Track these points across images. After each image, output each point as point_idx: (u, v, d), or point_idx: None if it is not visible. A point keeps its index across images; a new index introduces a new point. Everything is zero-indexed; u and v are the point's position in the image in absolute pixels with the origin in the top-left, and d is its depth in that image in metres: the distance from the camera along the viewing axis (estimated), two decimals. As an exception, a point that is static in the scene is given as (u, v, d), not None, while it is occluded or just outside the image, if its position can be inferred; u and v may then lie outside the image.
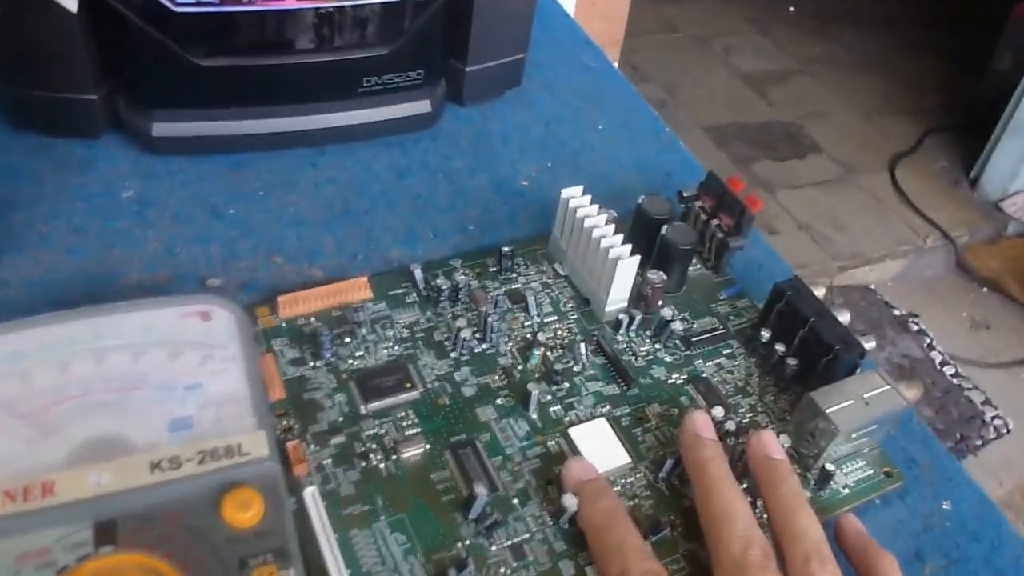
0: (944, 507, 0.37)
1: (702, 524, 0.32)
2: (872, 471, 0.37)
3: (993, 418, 1.39)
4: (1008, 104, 1.74)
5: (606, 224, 0.41)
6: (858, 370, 0.38)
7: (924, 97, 2.13)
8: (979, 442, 1.37)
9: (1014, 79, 1.73)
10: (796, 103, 2.05)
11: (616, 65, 0.66)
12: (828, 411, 0.35)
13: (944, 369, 1.46)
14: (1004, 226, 1.77)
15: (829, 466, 0.35)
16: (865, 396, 0.36)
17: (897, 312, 1.57)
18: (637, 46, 2.07)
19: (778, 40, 2.29)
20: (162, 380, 0.31)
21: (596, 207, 0.41)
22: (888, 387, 0.36)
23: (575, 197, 0.42)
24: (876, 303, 1.59)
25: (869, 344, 0.38)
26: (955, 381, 1.45)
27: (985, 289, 1.67)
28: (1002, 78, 1.84)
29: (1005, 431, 1.38)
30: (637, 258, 0.39)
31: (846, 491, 0.36)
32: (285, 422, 0.34)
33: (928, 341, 1.51)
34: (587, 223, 0.40)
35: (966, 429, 1.38)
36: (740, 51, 2.22)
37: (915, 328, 1.54)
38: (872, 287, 1.62)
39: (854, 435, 0.35)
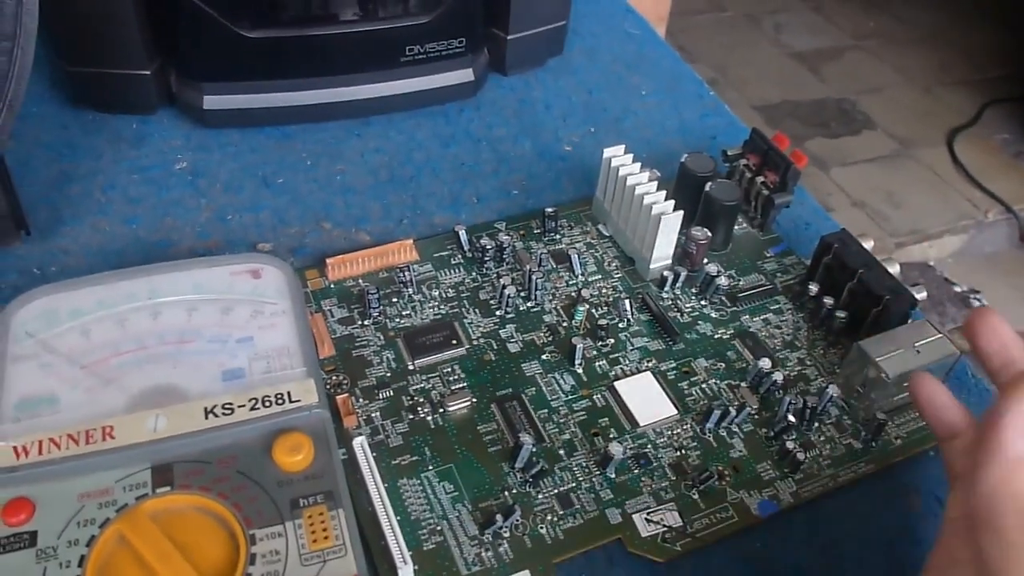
0: (1000, 458, 0.36)
1: None
2: (925, 422, 0.36)
3: (1060, 394, 1.35)
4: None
5: (649, 182, 0.41)
6: (909, 321, 0.37)
7: (983, 68, 2.07)
8: (1046, 419, 1.33)
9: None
10: (850, 79, 2.01)
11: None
12: (878, 359, 0.34)
13: (1008, 345, 1.42)
14: (1069, 198, 1.72)
15: (881, 416, 0.35)
16: (916, 344, 0.35)
17: (958, 288, 1.53)
18: (685, 27, 2.05)
19: (830, 16, 2.24)
20: (215, 334, 0.32)
21: (638, 165, 0.41)
22: (940, 336, 0.35)
23: (618, 156, 0.42)
24: (936, 279, 1.55)
25: (920, 295, 0.37)
26: (1019, 357, 1.41)
27: (1051, 263, 1.62)
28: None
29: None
30: (680, 213, 0.39)
31: (899, 442, 0.35)
32: (335, 377, 0.35)
33: (991, 317, 1.47)
34: (630, 181, 0.40)
35: (1032, 406, 1.34)
36: (791, 29, 2.18)
37: (977, 304, 1.50)
38: (931, 264, 1.59)
39: (905, 384, 0.35)
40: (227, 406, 0.30)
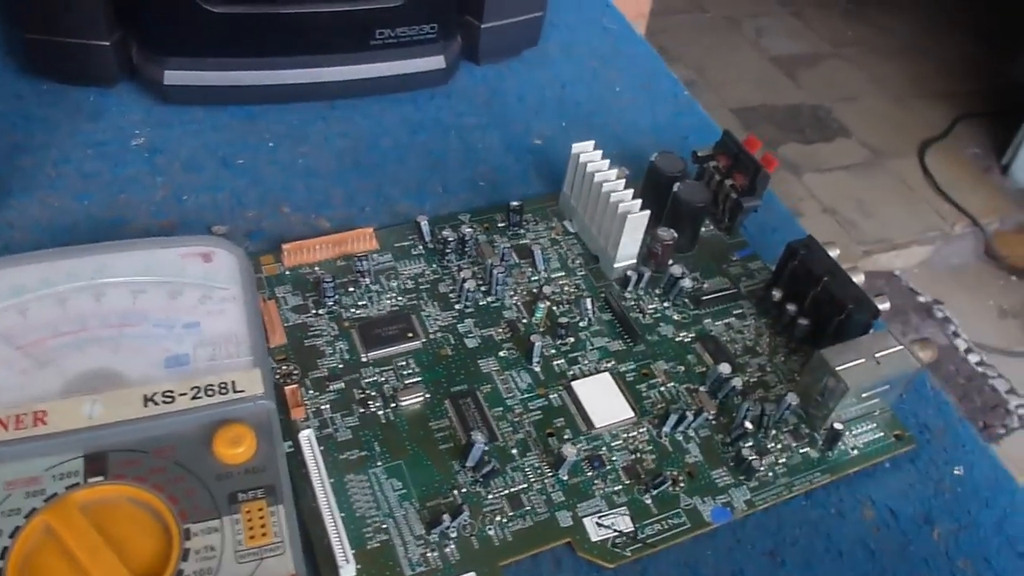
0: (956, 472, 0.36)
1: None
2: (883, 433, 0.36)
3: (1018, 407, 1.37)
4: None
5: (617, 179, 0.40)
6: (871, 331, 0.37)
7: (957, 82, 2.08)
8: (1002, 431, 1.35)
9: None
10: (826, 86, 2.01)
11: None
12: (838, 368, 0.34)
13: (968, 357, 1.44)
14: (1035, 214, 1.74)
15: (838, 425, 0.34)
16: (877, 355, 0.35)
17: (922, 298, 1.54)
18: (665, 26, 2.04)
19: (810, 22, 2.25)
20: (160, 318, 0.31)
21: (607, 162, 0.41)
22: (900, 347, 0.35)
23: (586, 152, 0.41)
24: (900, 289, 1.56)
25: (883, 305, 0.37)
26: (979, 369, 1.42)
27: (1013, 278, 1.64)
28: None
29: (1029, 420, 1.36)
30: (647, 213, 0.38)
31: (855, 452, 0.35)
32: (285, 367, 0.34)
33: (953, 328, 1.49)
34: (597, 177, 0.40)
35: (989, 417, 1.36)
36: (771, 33, 2.19)
37: (940, 315, 1.51)
38: (897, 273, 1.60)
39: (864, 395, 0.35)
40: (168, 394, 0.28)
